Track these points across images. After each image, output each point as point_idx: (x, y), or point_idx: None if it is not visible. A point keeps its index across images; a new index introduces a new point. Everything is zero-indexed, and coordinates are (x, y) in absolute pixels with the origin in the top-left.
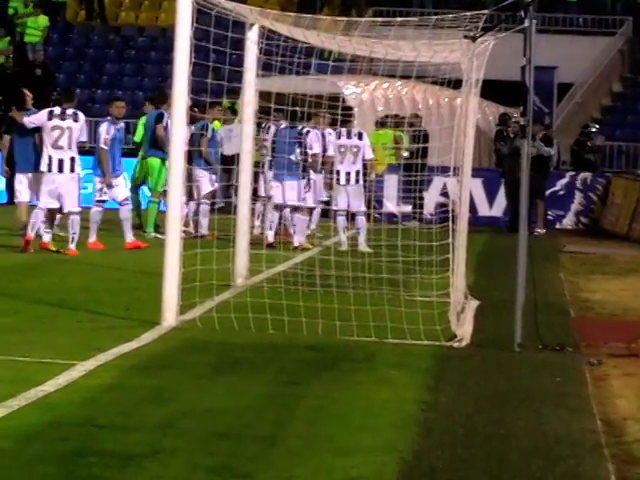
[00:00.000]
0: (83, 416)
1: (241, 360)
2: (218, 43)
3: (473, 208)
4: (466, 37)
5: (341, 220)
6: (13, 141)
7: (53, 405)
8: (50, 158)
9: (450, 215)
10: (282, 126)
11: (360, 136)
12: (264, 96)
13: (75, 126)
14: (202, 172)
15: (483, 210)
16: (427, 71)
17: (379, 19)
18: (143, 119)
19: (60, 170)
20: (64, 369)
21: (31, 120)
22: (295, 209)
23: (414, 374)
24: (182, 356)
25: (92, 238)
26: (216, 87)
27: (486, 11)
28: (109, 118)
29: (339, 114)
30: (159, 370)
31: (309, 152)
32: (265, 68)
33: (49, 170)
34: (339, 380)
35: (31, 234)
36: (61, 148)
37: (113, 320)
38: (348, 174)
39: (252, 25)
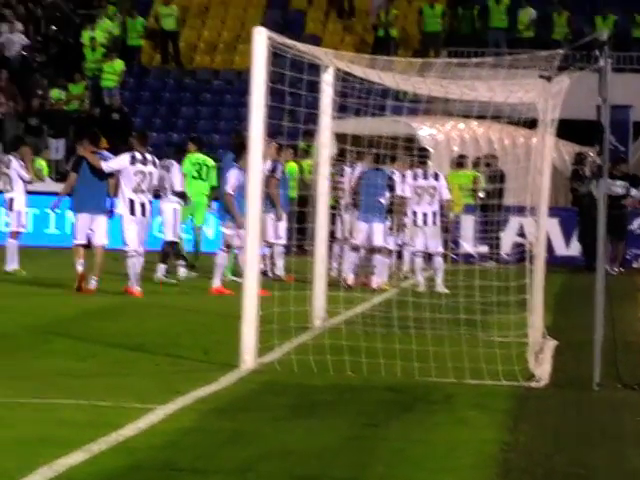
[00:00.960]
0: (163, 460)
1: (320, 402)
2: (293, 85)
3: (550, 248)
4: (542, 77)
5: (419, 261)
6: (78, 180)
7: (133, 449)
8: (132, 202)
9: (527, 255)
10: (367, 169)
11: (437, 177)
12: (340, 138)
13: (154, 171)
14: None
15: (560, 249)
16: (503, 111)
17: (454, 60)
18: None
19: (143, 214)
20: (144, 413)
21: (111, 166)
22: (378, 251)
23: (493, 414)
24: (261, 398)
25: (217, 283)
26: (291, 129)
27: (561, 51)
28: (237, 165)
29: (415, 155)
30: (238, 413)
31: (397, 194)
32: (340, 110)
33: (132, 214)
34: (418, 421)
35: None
36: (142, 192)
37: (192, 363)
38: (425, 215)
39: (327, 67)
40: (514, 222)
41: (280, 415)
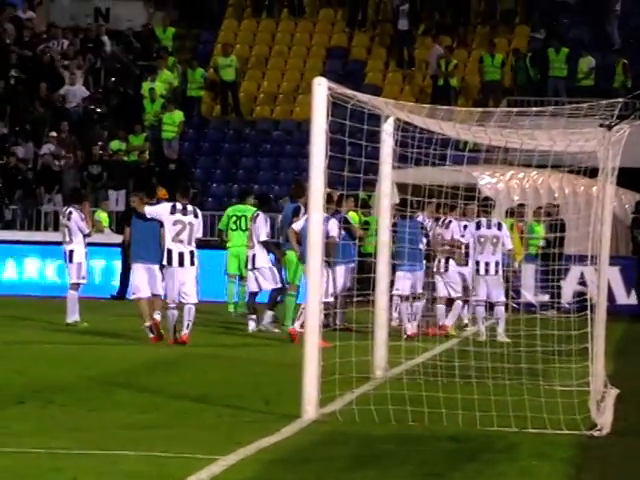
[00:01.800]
0: None
1: (382, 452)
2: (353, 135)
3: (611, 296)
4: (602, 125)
5: (480, 310)
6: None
7: None
8: (170, 252)
9: (589, 304)
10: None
11: (499, 227)
12: (400, 188)
13: (195, 222)
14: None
15: (621, 298)
16: (563, 160)
17: (514, 109)
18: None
19: (181, 264)
20: (205, 464)
21: (150, 212)
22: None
23: (555, 464)
24: (323, 449)
25: (294, 324)
26: (352, 179)
27: (621, 99)
28: (338, 215)
29: (477, 204)
30: (300, 464)
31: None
32: (401, 160)
33: (169, 263)
34: (481, 471)
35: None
36: (181, 242)
37: (253, 414)
38: (487, 264)
39: (387, 117)
40: (575, 271)
41: (342, 466)
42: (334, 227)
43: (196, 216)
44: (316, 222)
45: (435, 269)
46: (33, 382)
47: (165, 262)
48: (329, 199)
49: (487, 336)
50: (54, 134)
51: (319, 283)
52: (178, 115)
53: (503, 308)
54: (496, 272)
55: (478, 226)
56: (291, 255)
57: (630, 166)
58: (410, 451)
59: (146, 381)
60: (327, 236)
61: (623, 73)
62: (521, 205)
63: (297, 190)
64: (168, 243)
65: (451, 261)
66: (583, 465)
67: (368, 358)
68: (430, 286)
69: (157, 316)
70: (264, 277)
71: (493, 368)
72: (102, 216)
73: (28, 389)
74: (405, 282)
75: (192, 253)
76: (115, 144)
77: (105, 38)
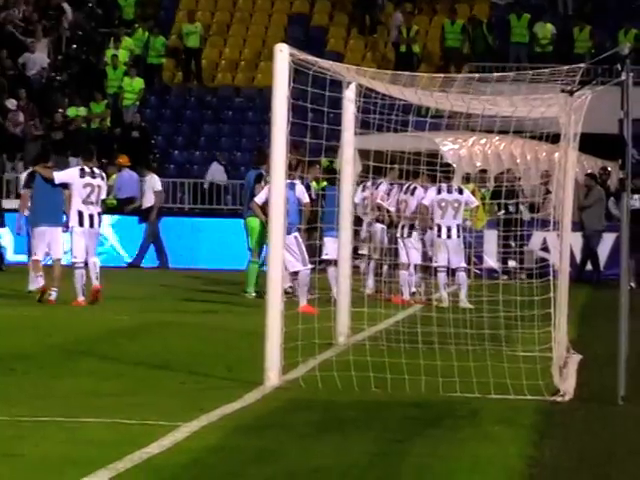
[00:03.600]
0: (188, 478)
1: (345, 419)
2: (315, 102)
3: (573, 262)
4: (563, 91)
5: (442, 276)
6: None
7: (158, 467)
8: (81, 214)
9: (551, 270)
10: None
11: (460, 191)
12: (362, 154)
13: (103, 184)
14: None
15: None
16: (525, 126)
17: (476, 75)
18: None
19: (91, 225)
20: (168, 431)
21: (60, 177)
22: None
23: (518, 429)
24: (286, 416)
25: (303, 302)
26: (314, 146)
27: (583, 65)
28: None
29: (438, 170)
30: (263, 430)
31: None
32: (363, 126)
33: (80, 225)
34: (443, 437)
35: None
36: (91, 204)
37: (216, 381)
38: (449, 229)
39: (349, 83)
40: (538, 237)
41: (305, 432)
42: (304, 194)
43: (102, 179)
44: (278, 188)
45: (399, 235)
46: None
47: (76, 223)
48: (291, 166)
49: (449, 302)
50: (14, 101)
51: (281, 249)
52: (138, 82)
53: (464, 274)
54: (458, 236)
55: (439, 191)
56: (252, 221)
57: (592, 132)
58: (373, 417)
59: (108, 349)
60: (300, 204)
61: (589, 39)
62: (483, 171)
63: (259, 157)
64: (78, 205)
65: (415, 227)
66: (546, 431)
67: (331, 324)
68: (393, 252)
69: (54, 293)
70: None
71: (456, 334)
72: None
73: None
74: (333, 247)
75: (99, 214)
76: (72, 110)
77: (66, 5)
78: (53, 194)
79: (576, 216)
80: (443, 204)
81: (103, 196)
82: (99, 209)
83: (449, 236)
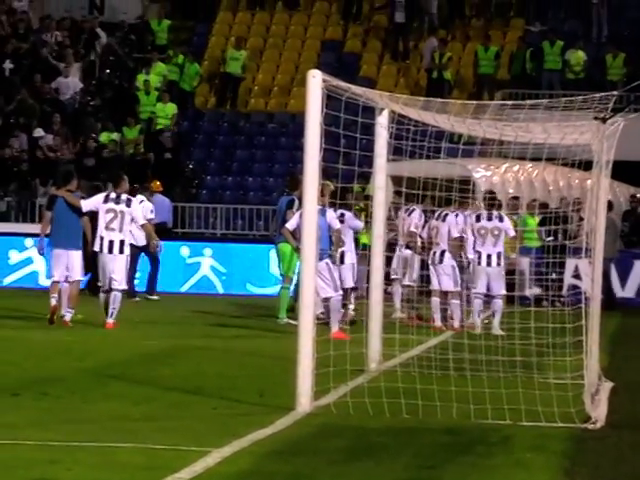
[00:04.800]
0: None
1: (376, 445)
2: (348, 128)
3: (610, 289)
4: (596, 118)
5: (477, 303)
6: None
7: None
8: (102, 239)
9: (583, 297)
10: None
11: (501, 219)
12: (395, 180)
13: (127, 210)
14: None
15: (616, 291)
16: (557, 153)
17: (509, 102)
18: None
19: (110, 251)
20: (200, 456)
21: (86, 204)
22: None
23: (550, 456)
24: (317, 441)
25: (335, 328)
26: (347, 172)
27: (616, 92)
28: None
29: (471, 197)
30: (294, 456)
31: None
32: (395, 152)
33: (100, 250)
34: (475, 464)
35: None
36: (113, 230)
37: (248, 406)
38: (489, 257)
39: (382, 110)
40: (570, 264)
41: (336, 458)
42: (334, 219)
43: (128, 206)
44: (310, 214)
45: (430, 261)
46: (27, 374)
47: (98, 248)
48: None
49: (482, 329)
50: (41, 130)
51: (313, 275)
52: (171, 107)
53: (502, 301)
54: (498, 264)
55: (478, 218)
56: (284, 247)
57: (624, 159)
58: (404, 443)
59: (140, 373)
60: (330, 230)
61: (624, 66)
62: (515, 198)
63: (292, 183)
64: (100, 230)
65: (446, 253)
66: (577, 458)
67: (363, 351)
68: (425, 279)
69: (68, 314)
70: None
71: (487, 361)
72: None
73: (22, 381)
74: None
75: (122, 241)
76: (104, 136)
77: (100, 30)
78: (72, 218)
79: None
80: (483, 231)
81: (140, 221)
82: (123, 236)
83: (489, 263)
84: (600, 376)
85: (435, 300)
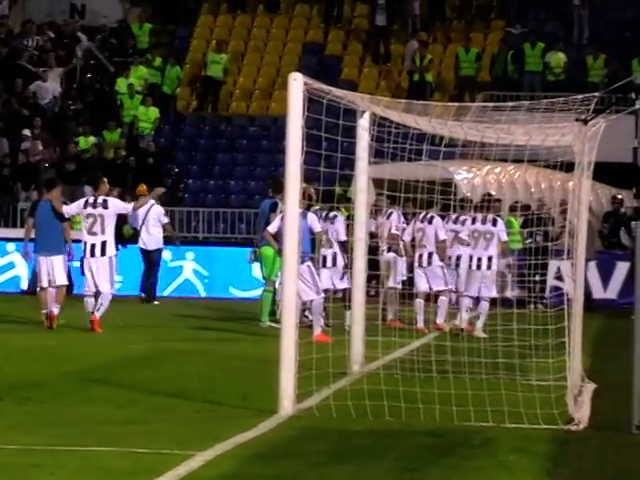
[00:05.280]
0: None
1: (359, 447)
2: (329, 131)
3: (587, 291)
4: (577, 120)
5: (466, 300)
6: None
7: None
8: (85, 244)
9: (565, 298)
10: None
11: (494, 222)
12: (376, 183)
13: (105, 212)
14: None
15: (598, 293)
16: (539, 154)
17: (490, 104)
18: None
19: (92, 254)
20: (183, 459)
21: (68, 210)
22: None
23: (533, 458)
24: (300, 444)
25: (317, 330)
26: (328, 175)
27: (597, 94)
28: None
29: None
30: (278, 459)
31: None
32: (377, 155)
33: (84, 255)
34: (458, 466)
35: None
36: (94, 234)
37: (231, 409)
38: (479, 260)
39: (363, 112)
40: (552, 265)
41: (319, 460)
42: (316, 223)
43: (105, 207)
44: (292, 216)
45: (417, 263)
46: (9, 379)
47: (82, 254)
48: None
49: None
50: (28, 131)
51: (295, 278)
52: (153, 111)
53: (487, 303)
54: (488, 267)
55: (473, 221)
56: (267, 250)
57: (606, 160)
58: (387, 446)
59: (122, 377)
60: (312, 232)
61: (604, 67)
62: (497, 200)
63: (275, 186)
64: (84, 236)
65: (434, 255)
66: (560, 459)
67: (345, 353)
68: (410, 280)
69: (55, 309)
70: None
71: (470, 363)
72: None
73: (4, 385)
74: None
75: (104, 243)
76: (82, 140)
77: (81, 34)
78: (54, 223)
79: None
80: (476, 234)
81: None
82: (105, 237)
83: (479, 267)
84: (583, 378)
85: (419, 302)
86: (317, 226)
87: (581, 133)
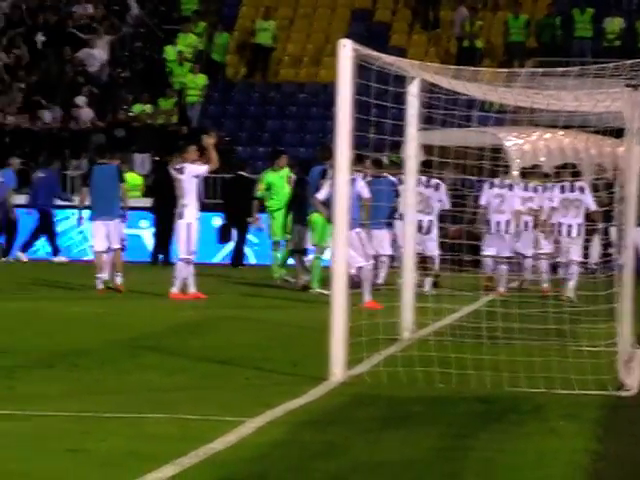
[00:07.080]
0: (254, 473)
1: (410, 414)
2: (379, 97)
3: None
4: (628, 85)
5: (544, 265)
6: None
7: (223, 463)
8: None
9: (616, 264)
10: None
11: (582, 190)
12: (426, 149)
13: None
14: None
15: None
16: (589, 121)
17: (540, 70)
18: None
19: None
20: (233, 426)
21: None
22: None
23: (583, 424)
24: (351, 411)
25: (367, 297)
26: (378, 141)
27: None
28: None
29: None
30: (328, 425)
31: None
32: (427, 121)
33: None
34: (508, 432)
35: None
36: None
37: (281, 376)
38: (570, 227)
39: (413, 79)
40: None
41: (370, 427)
42: (364, 188)
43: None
44: (342, 184)
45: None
46: (59, 347)
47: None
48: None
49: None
50: (81, 98)
51: (345, 245)
52: (201, 78)
53: (577, 267)
54: (578, 234)
55: (562, 189)
56: (316, 217)
57: None
58: (438, 412)
59: (172, 344)
60: (360, 199)
61: None
62: (535, 166)
63: (324, 152)
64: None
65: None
66: (611, 425)
67: (395, 320)
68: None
69: (118, 279)
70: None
71: (520, 329)
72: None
73: (55, 353)
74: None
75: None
76: (137, 107)
77: (131, 1)
78: (111, 188)
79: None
80: (566, 202)
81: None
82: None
83: (569, 233)
84: (633, 343)
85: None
86: (366, 192)
87: (631, 99)
